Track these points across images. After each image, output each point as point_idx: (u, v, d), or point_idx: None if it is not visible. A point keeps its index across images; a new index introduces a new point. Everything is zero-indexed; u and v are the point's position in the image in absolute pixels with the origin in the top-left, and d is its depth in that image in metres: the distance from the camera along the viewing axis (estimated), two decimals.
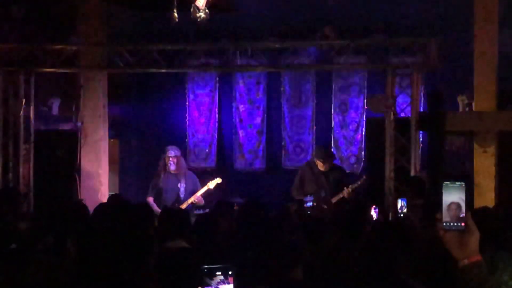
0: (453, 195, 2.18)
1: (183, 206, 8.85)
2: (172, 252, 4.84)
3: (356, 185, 8.89)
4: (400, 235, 4.47)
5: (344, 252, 4.95)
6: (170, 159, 9.13)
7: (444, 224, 2.17)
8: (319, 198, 8.92)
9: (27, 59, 9.88)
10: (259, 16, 11.35)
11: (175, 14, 6.87)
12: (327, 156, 9.32)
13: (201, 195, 9.08)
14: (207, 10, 6.79)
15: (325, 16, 10.86)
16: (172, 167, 9.12)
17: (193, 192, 9.07)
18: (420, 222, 6.53)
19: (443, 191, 2.18)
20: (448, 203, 2.17)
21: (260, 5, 10.97)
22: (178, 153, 9.32)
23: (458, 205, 2.17)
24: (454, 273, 2.15)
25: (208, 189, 9.07)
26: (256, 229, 5.46)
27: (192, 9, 6.67)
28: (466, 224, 2.16)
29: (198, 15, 6.74)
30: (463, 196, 2.18)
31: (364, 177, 9.15)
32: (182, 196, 9.07)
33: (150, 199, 9.15)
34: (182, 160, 9.37)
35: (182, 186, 9.07)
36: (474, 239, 2.16)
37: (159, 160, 9.40)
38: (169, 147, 9.34)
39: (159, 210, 8.58)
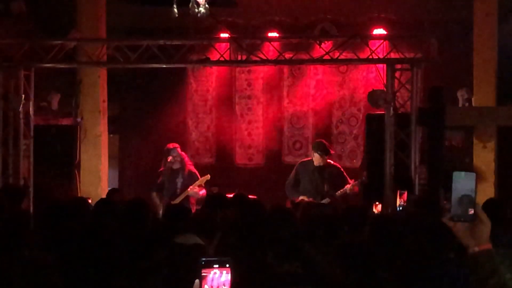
0: (464, 187, 2.09)
1: (177, 200, 8.97)
2: (184, 248, 4.82)
3: (357, 183, 9.05)
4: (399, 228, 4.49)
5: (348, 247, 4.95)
6: (173, 158, 9.30)
7: (454, 216, 2.11)
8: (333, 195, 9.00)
9: (27, 54, 9.87)
10: (259, 11, 11.34)
11: (175, 10, 6.84)
12: (324, 150, 9.34)
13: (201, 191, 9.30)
14: (207, 5, 6.75)
15: (325, 11, 10.84)
16: (176, 165, 9.28)
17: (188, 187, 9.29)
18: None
19: (453, 181, 2.10)
20: (460, 195, 2.09)
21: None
22: (179, 151, 9.47)
23: (469, 199, 2.09)
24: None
25: (200, 185, 9.27)
26: (251, 223, 5.46)
27: (190, 5, 6.62)
28: (477, 216, 2.10)
29: (198, 10, 6.70)
30: (474, 188, 2.10)
31: (363, 177, 9.27)
32: (178, 190, 9.22)
33: (153, 194, 9.41)
34: (184, 156, 9.51)
35: (179, 181, 9.20)
36: (486, 229, 2.11)
37: (162, 157, 9.53)
38: (171, 147, 9.46)
39: (159, 204, 8.89)
